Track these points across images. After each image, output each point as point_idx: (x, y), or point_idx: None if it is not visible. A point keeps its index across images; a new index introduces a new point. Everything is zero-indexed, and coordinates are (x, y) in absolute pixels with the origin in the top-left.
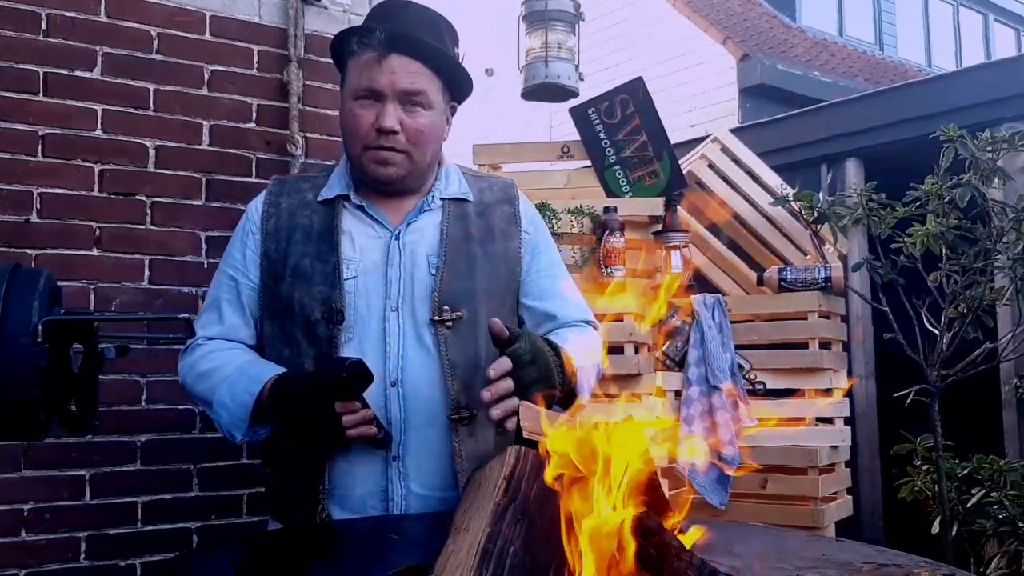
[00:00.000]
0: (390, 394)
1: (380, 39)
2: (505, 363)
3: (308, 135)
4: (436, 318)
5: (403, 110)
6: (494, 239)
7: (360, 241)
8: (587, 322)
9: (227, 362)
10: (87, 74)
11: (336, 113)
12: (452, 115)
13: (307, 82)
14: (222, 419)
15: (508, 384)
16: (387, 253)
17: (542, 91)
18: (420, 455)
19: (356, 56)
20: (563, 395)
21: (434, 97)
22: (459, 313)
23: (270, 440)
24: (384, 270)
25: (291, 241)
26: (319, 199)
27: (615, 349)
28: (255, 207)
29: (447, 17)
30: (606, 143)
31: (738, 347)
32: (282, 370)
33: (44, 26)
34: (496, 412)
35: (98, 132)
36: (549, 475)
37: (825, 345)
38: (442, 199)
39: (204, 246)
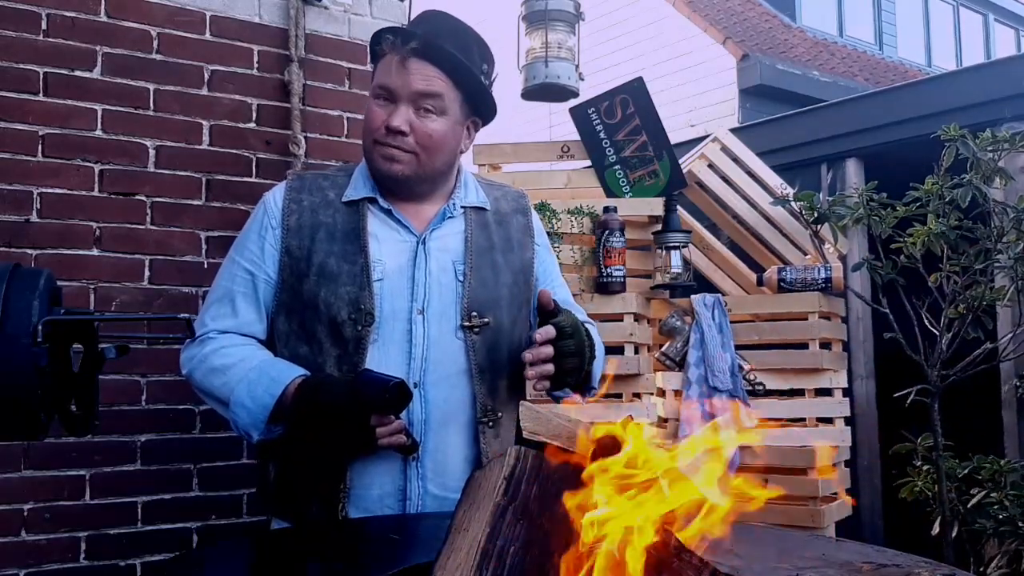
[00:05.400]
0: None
1: (403, 43)
2: (550, 331)
3: (308, 135)
4: (466, 324)
5: (415, 113)
6: (512, 249)
7: (386, 244)
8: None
9: (243, 359)
10: (87, 74)
11: (336, 113)
12: (474, 131)
13: (307, 82)
14: (240, 419)
15: (549, 350)
16: (413, 257)
17: (542, 91)
18: (440, 456)
19: (382, 56)
20: (582, 378)
21: (450, 105)
22: (486, 319)
23: (283, 439)
24: (411, 273)
25: (315, 239)
26: (343, 199)
27: (615, 349)
28: (273, 201)
29: (465, 26)
30: (606, 143)
31: (738, 347)
32: (302, 371)
33: (44, 26)
34: (531, 372)
35: (98, 132)
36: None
37: (825, 345)
38: (463, 207)
39: (204, 246)
